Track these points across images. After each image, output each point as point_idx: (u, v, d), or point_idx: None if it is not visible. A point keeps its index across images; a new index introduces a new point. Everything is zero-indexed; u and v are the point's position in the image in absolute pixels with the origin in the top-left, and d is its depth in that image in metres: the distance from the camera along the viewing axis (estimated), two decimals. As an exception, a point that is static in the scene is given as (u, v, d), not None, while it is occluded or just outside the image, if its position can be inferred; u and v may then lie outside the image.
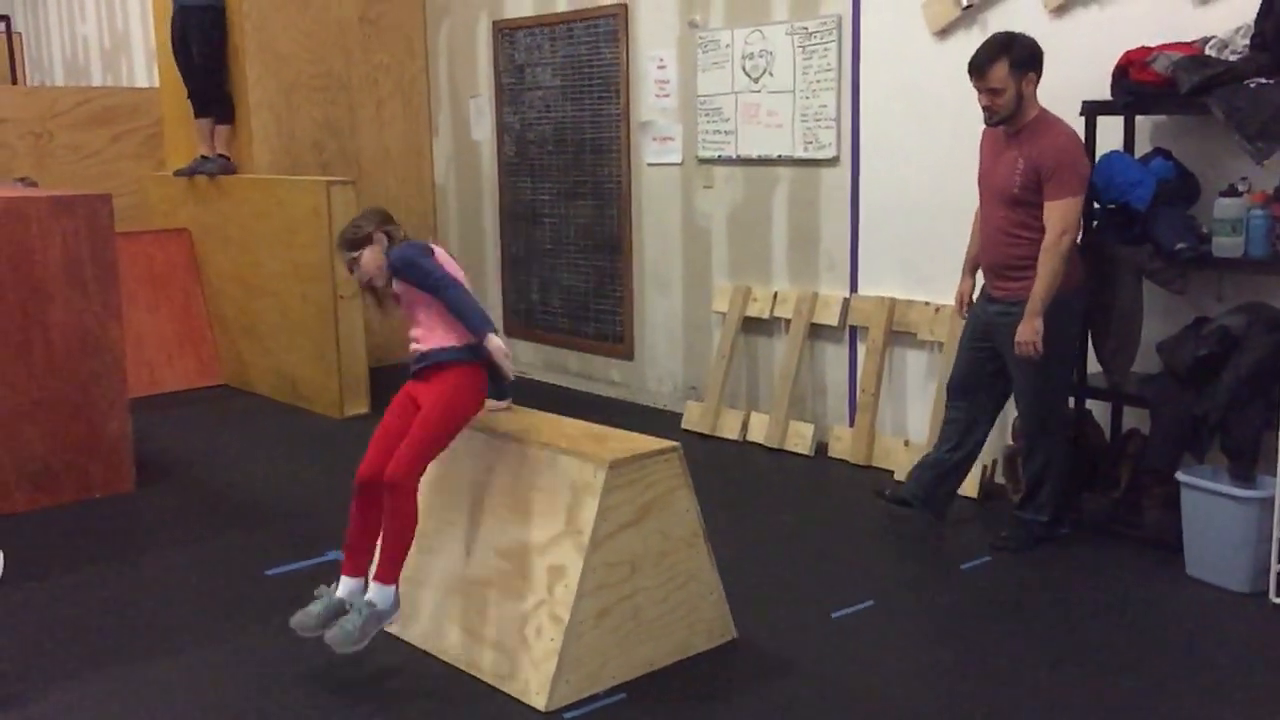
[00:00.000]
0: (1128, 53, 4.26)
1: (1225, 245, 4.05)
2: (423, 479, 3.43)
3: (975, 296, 4.53)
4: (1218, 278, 4.24)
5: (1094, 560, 4.24)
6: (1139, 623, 3.75)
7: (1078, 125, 4.37)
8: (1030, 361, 4.16)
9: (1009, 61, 4.05)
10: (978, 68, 4.10)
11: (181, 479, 5.53)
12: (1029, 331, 4.11)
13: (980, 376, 4.43)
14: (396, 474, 3.32)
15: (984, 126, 4.29)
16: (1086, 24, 4.63)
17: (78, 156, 8.58)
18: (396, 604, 3.41)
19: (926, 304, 5.28)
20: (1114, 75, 4.29)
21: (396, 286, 3.67)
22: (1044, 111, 4.17)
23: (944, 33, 5.06)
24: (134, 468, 5.36)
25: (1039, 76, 4.13)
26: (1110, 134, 4.41)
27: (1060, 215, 4.03)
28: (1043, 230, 4.07)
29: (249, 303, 7.24)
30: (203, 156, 7.26)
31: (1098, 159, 4.33)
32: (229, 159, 7.26)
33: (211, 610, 4.00)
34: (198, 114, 7.25)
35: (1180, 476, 4.09)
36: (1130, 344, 4.33)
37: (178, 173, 7.41)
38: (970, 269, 4.57)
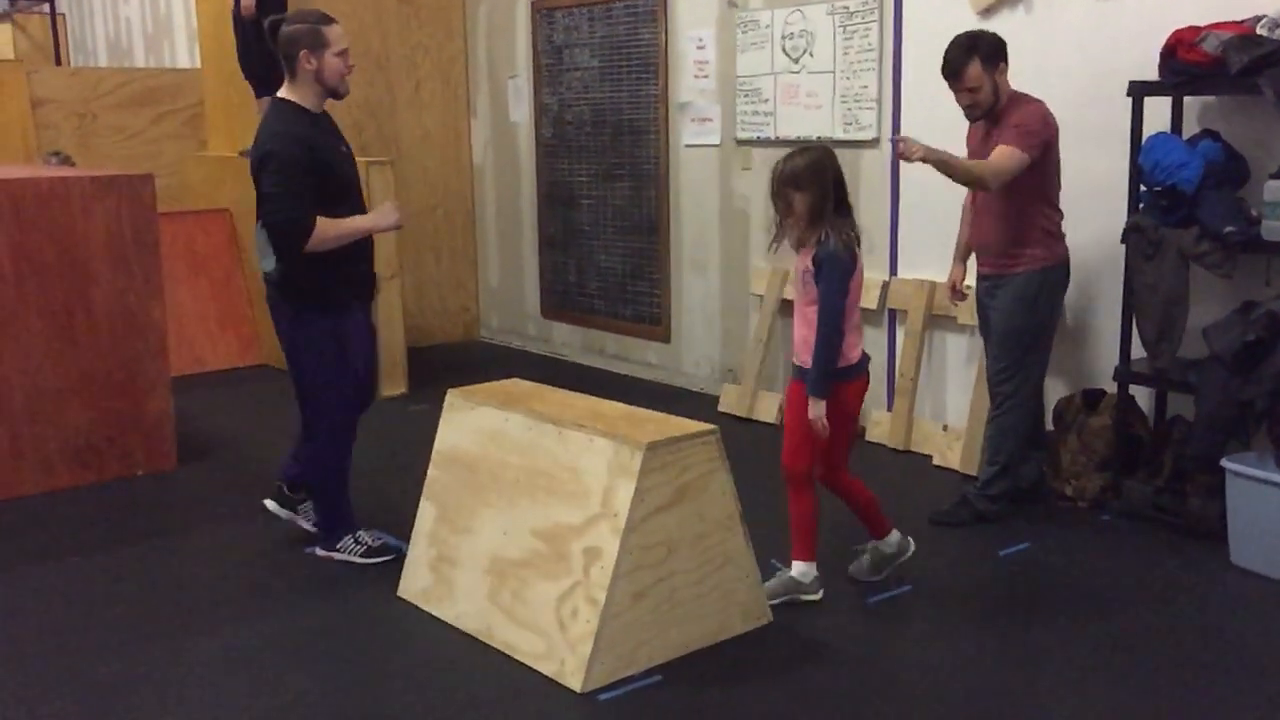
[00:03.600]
0: (1176, 32, 4.19)
1: (1275, 229, 3.97)
2: (458, 459, 3.42)
3: (974, 284, 4.62)
4: (1266, 262, 4.17)
5: (1136, 548, 4.19)
6: (1181, 612, 3.71)
7: (1124, 106, 4.32)
8: (1010, 325, 4.34)
9: (980, 59, 4.18)
10: (953, 72, 4.24)
11: (222, 457, 5.59)
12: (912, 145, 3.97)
13: None
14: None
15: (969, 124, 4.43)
16: (1133, 3, 4.55)
17: (121, 137, 8.67)
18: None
19: (968, 287, 5.21)
20: (1162, 55, 4.22)
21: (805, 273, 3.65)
22: (1014, 94, 4.29)
23: (988, 12, 4.99)
24: (176, 446, 5.42)
25: (1007, 66, 4.26)
26: (1158, 115, 4.34)
27: (998, 154, 4.12)
28: (1029, 206, 4.24)
29: (288, 283, 7.27)
30: None
31: (1144, 141, 4.27)
32: None
33: (252, 587, 4.04)
34: (257, 94, 7.09)
35: (1226, 464, 4.03)
36: (1175, 329, 4.27)
37: (242, 153, 7.35)
38: (962, 256, 4.72)
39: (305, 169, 3.85)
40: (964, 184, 4.29)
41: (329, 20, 3.99)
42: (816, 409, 3.59)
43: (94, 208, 5.11)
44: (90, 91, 8.64)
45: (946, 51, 4.25)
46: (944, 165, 4.06)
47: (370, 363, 4.32)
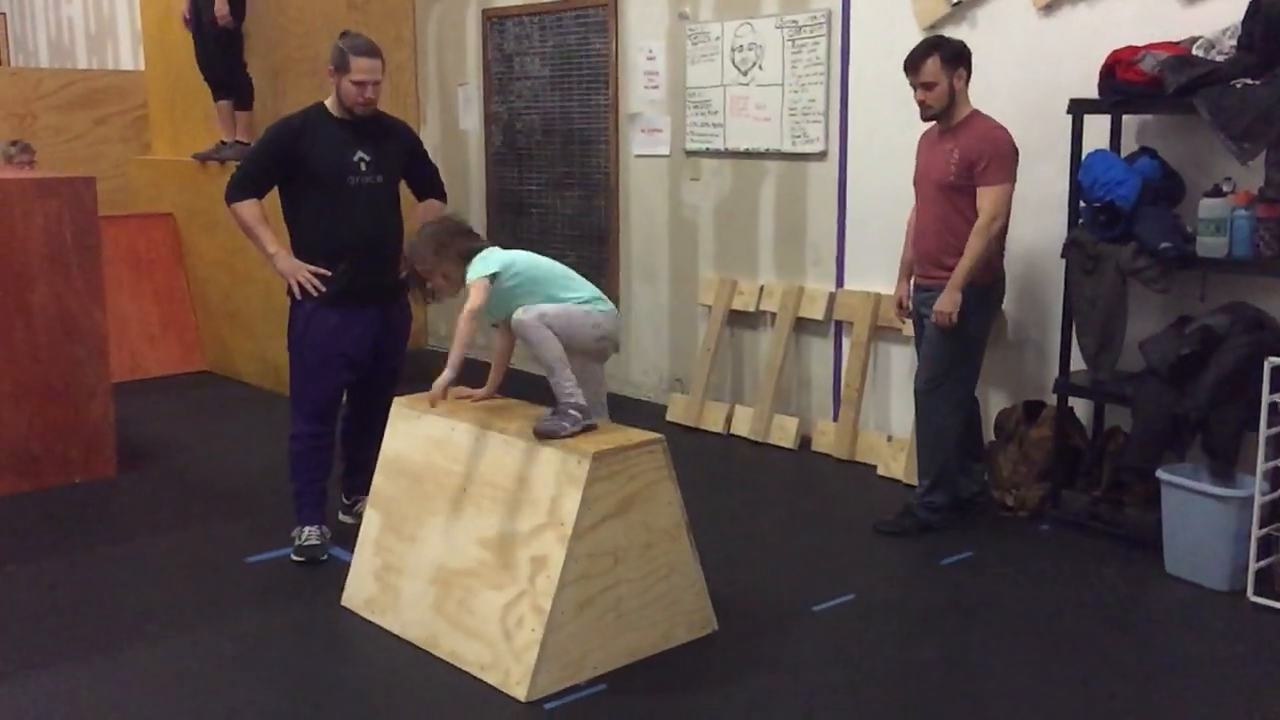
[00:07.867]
0: (1115, 52, 4.28)
1: (1209, 245, 4.07)
2: (404, 468, 3.39)
3: (910, 297, 4.70)
4: (1201, 277, 4.25)
5: (1074, 557, 4.26)
6: (1118, 620, 3.77)
7: (1065, 123, 4.40)
8: (941, 335, 4.38)
9: (940, 57, 4.29)
10: (911, 64, 4.34)
11: (163, 464, 5.51)
12: (948, 303, 4.30)
13: None
14: None
15: (922, 129, 4.51)
16: (1074, 22, 4.64)
17: (61, 139, 8.53)
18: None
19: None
20: (1101, 74, 4.30)
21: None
22: (976, 110, 4.38)
23: (933, 28, 5.06)
24: (115, 452, 5.34)
25: (969, 74, 4.36)
26: (1097, 133, 4.43)
27: (992, 200, 4.26)
28: (971, 220, 4.29)
29: (234, 288, 7.21)
30: (221, 142, 7.07)
31: (1084, 157, 4.35)
32: (247, 145, 6.86)
33: (191, 597, 3.99)
34: (215, 97, 7.04)
35: (1161, 475, 4.11)
36: (1113, 342, 4.35)
37: (195, 156, 7.25)
38: (907, 273, 4.75)
39: (269, 153, 4.21)
40: (991, 246, 4.32)
41: (361, 51, 4.11)
42: None
43: (34, 210, 5.02)
44: (31, 92, 8.49)
45: (914, 47, 4.36)
46: (969, 272, 4.24)
47: (354, 369, 4.35)
